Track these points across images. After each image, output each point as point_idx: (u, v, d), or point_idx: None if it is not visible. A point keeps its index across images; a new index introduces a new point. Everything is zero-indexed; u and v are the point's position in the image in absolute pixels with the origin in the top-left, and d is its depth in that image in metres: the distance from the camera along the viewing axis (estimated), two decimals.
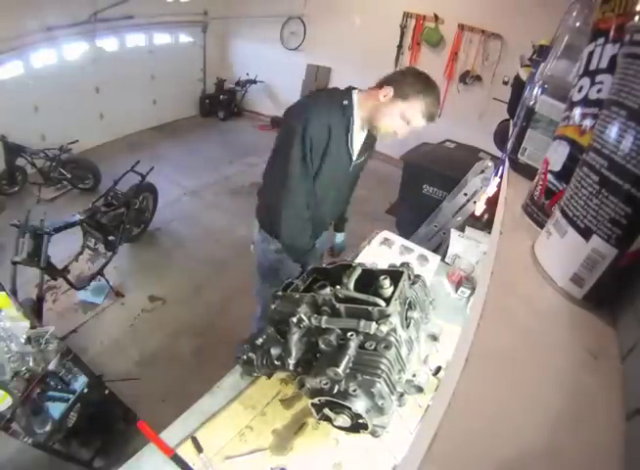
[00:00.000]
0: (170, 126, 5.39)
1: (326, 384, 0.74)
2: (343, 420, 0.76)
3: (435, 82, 1.27)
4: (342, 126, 1.29)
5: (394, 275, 0.84)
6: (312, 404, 0.79)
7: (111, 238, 2.61)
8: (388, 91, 1.23)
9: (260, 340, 0.91)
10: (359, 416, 0.74)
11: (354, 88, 1.35)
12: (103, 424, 1.68)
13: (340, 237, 1.89)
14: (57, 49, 3.80)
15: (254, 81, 5.54)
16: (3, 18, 3.23)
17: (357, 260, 1.45)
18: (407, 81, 1.22)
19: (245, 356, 0.94)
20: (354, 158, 1.41)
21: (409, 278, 0.90)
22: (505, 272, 0.53)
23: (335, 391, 0.74)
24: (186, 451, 0.88)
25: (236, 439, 0.91)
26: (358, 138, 1.37)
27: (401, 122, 1.26)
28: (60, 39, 3.72)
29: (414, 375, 0.83)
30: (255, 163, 4.53)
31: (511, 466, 0.32)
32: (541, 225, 0.61)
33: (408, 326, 0.84)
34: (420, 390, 0.83)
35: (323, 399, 0.76)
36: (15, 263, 1.97)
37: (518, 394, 0.38)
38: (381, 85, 1.27)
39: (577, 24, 0.80)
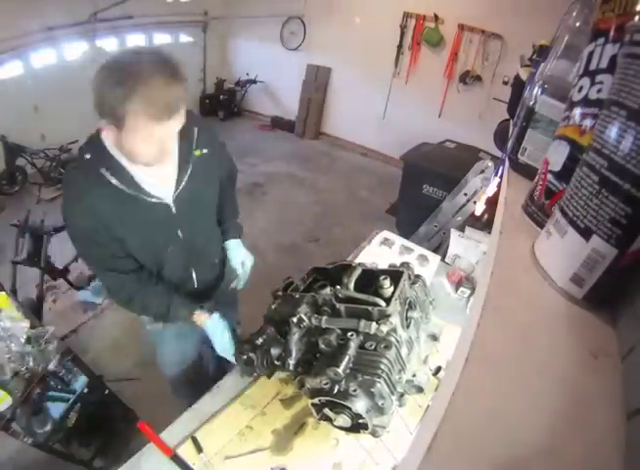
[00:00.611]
0: None
1: (326, 384, 0.74)
2: (344, 420, 0.76)
3: (139, 55, 0.82)
4: (107, 190, 0.90)
5: (395, 275, 0.84)
6: (312, 404, 0.79)
7: None
8: (110, 130, 0.86)
9: (261, 340, 0.91)
10: (359, 416, 0.74)
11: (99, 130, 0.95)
12: (103, 424, 1.68)
13: (234, 250, 1.30)
14: (57, 49, 3.80)
15: (254, 81, 5.54)
16: (3, 18, 3.23)
17: (357, 260, 1.45)
18: (105, 98, 0.81)
19: (245, 356, 0.94)
20: (168, 194, 0.99)
21: (409, 278, 0.90)
22: (505, 272, 0.53)
23: (335, 391, 0.74)
24: (186, 451, 0.88)
25: (236, 439, 0.91)
26: (156, 169, 0.94)
27: (148, 146, 0.85)
28: (60, 39, 3.72)
29: (414, 375, 0.83)
30: (255, 163, 4.53)
31: (511, 466, 0.32)
32: (541, 225, 0.61)
33: (408, 326, 0.84)
34: (420, 390, 0.83)
35: (323, 398, 0.76)
36: (15, 263, 1.97)
37: (518, 394, 0.38)
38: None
39: (577, 24, 0.80)
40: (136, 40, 4.62)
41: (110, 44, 4.34)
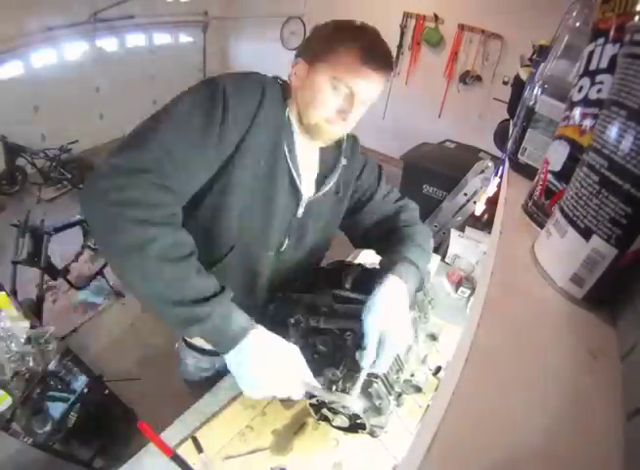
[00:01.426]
0: None
1: (323, 384, 0.75)
2: (342, 420, 0.76)
3: (364, 24, 0.83)
4: (275, 132, 0.79)
5: None
6: (311, 405, 0.79)
7: None
8: (300, 64, 0.78)
9: None
10: (357, 416, 0.74)
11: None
12: (103, 424, 1.68)
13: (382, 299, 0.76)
14: (57, 49, 3.80)
15: None
16: (3, 18, 3.23)
17: (357, 261, 1.45)
18: (320, 37, 0.80)
19: None
20: (306, 190, 0.85)
21: None
22: (505, 272, 0.53)
23: (332, 391, 0.74)
24: (186, 451, 0.88)
25: (236, 439, 0.91)
26: (308, 158, 0.86)
27: (336, 95, 0.74)
28: (60, 39, 3.72)
29: (412, 375, 0.83)
30: None
31: (511, 466, 0.32)
32: (541, 225, 0.61)
33: None
34: (418, 389, 0.83)
35: (321, 399, 0.76)
36: (15, 263, 1.97)
37: (518, 394, 0.38)
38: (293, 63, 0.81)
39: (577, 24, 0.80)
40: (136, 40, 4.62)
41: (110, 44, 4.35)
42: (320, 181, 0.87)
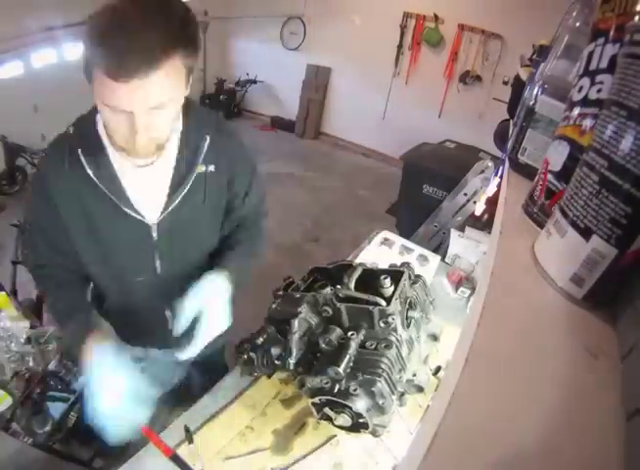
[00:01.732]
0: None
1: (327, 383, 0.75)
2: (344, 419, 0.76)
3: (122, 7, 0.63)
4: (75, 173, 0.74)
5: (395, 275, 0.84)
6: (313, 404, 0.80)
7: None
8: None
9: (261, 339, 0.91)
10: (360, 415, 0.74)
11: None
12: None
13: (198, 288, 0.81)
14: (57, 49, 3.80)
15: (254, 81, 5.54)
16: (3, 18, 3.23)
17: (357, 261, 1.45)
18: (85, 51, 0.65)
19: (245, 356, 0.94)
20: (152, 213, 0.81)
21: (410, 278, 0.90)
22: (505, 272, 0.53)
23: (335, 390, 0.74)
24: (186, 451, 0.88)
25: (236, 439, 0.91)
26: (144, 177, 0.78)
27: (110, 114, 0.68)
28: (60, 39, 3.71)
29: (414, 375, 0.83)
30: None
31: (510, 466, 0.32)
32: (541, 225, 0.61)
33: (409, 326, 0.84)
34: (420, 389, 0.83)
35: (324, 398, 0.76)
36: (15, 263, 1.97)
37: (518, 394, 0.38)
38: None
39: (577, 24, 0.80)
40: None
41: None
42: (174, 195, 0.80)
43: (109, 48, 0.59)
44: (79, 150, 0.74)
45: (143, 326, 0.95)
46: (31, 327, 1.33)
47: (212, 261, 0.93)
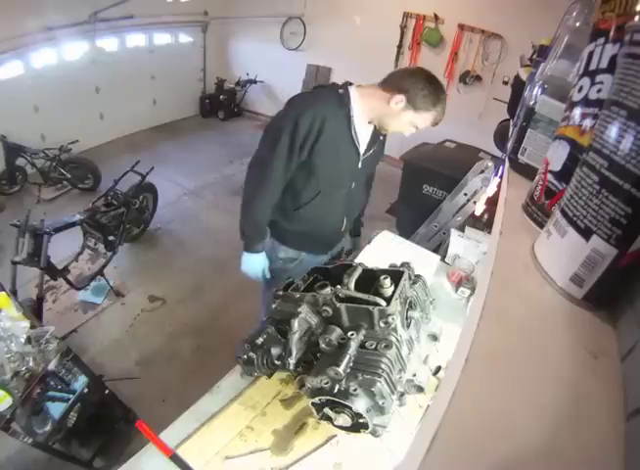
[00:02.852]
0: (170, 126, 5.39)
1: (327, 383, 0.74)
2: (344, 420, 0.76)
3: (443, 87, 1.27)
4: (340, 117, 1.25)
5: (395, 275, 0.84)
6: (313, 404, 0.79)
7: (111, 238, 2.61)
8: (400, 100, 1.20)
9: (261, 339, 0.91)
10: (360, 416, 0.74)
11: (351, 84, 1.31)
12: (103, 424, 1.68)
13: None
14: (57, 49, 3.80)
15: (254, 81, 5.54)
16: (3, 18, 3.23)
17: (357, 261, 1.45)
18: (420, 92, 1.19)
19: (245, 356, 0.94)
20: (361, 151, 1.35)
21: (409, 278, 0.90)
22: (505, 272, 0.53)
23: (335, 390, 0.74)
24: (186, 451, 0.88)
25: (236, 439, 0.91)
26: (363, 131, 1.33)
27: (408, 127, 1.28)
28: (60, 39, 3.72)
29: (414, 375, 0.83)
30: None
31: (510, 466, 0.32)
32: (541, 225, 0.61)
33: (409, 326, 0.84)
34: (420, 389, 0.83)
35: (324, 398, 0.76)
36: (15, 263, 1.97)
37: (517, 394, 0.38)
38: (390, 88, 1.22)
39: (577, 24, 0.81)
40: (136, 40, 4.63)
41: (110, 44, 4.35)
42: (370, 147, 1.39)
43: (441, 111, 1.27)
44: (349, 107, 1.25)
45: (323, 229, 1.48)
46: (31, 327, 1.33)
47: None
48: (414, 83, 1.20)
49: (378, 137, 1.41)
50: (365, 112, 1.28)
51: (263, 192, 1.31)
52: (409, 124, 1.26)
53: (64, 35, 3.72)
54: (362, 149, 1.35)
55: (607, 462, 0.32)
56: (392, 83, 1.23)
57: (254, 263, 1.46)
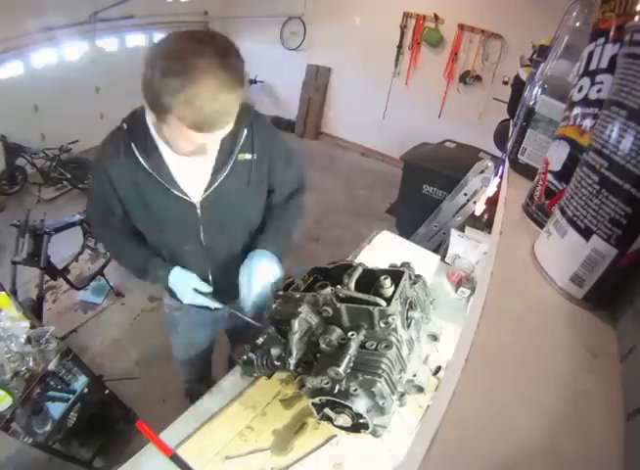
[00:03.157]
0: None
1: (327, 383, 0.74)
2: (344, 420, 0.76)
3: (201, 49, 0.70)
4: (129, 162, 0.89)
5: (395, 275, 0.84)
6: (313, 404, 0.79)
7: None
8: (149, 114, 0.82)
9: (261, 340, 0.91)
10: (360, 416, 0.74)
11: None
12: (103, 424, 1.68)
13: (251, 260, 1.02)
14: (57, 49, 3.80)
15: (254, 81, 5.54)
16: (3, 18, 3.23)
17: (357, 261, 1.45)
18: (149, 84, 0.72)
19: (245, 357, 0.94)
20: (192, 194, 0.95)
21: (410, 278, 0.90)
22: (505, 272, 0.53)
23: (336, 390, 0.74)
24: (186, 451, 0.88)
25: (236, 439, 0.91)
26: (191, 164, 0.91)
27: (186, 145, 0.82)
28: (60, 39, 3.71)
29: (415, 375, 0.83)
30: None
31: (510, 466, 0.32)
32: (541, 225, 0.61)
33: (409, 326, 0.84)
34: (420, 390, 0.83)
35: (324, 398, 0.76)
36: (15, 263, 1.97)
37: (518, 394, 0.38)
38: None
39: (577, 24, 0.81)
40: (136, 40, 4.62)
41: (110, 44, 4.34)
42: (215, 176, 0.96)
43: (197, 110, 0.71)
44: (133, 144, 0.89)
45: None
46: (31, 327, 1.33)
47: (255, 235, 1.10)
48: (146, 73, 0.72)
49: (227, 157, 0.94)
50: None
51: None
52: (183, 145, 0.82)
53: (64, 35, 3.72)
54: (199, 190, 0.95)
55: (606, 462, 0.32)
56: None
57: (176, 286, 1.08)
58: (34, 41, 3.53)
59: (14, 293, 1.86)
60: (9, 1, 3.24)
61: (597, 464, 0.33)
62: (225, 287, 1.07)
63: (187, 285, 1.06)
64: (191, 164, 0.91)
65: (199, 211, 0.98)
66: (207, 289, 1.07)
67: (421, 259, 1.60)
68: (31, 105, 3.76)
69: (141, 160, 0.89)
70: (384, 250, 1.61)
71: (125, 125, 0.91)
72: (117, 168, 0.91)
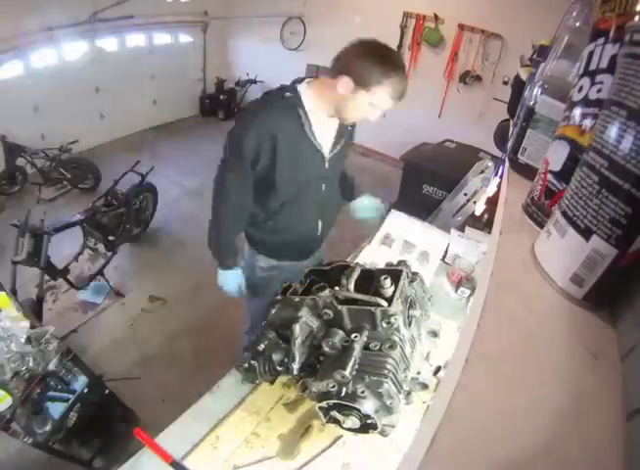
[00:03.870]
0: (170, 126, 5.39)
1: (333, 387, 0.74)
2: (353, 422, 0.75)
3: (395, 52, 1.14)
4: (293, 124, 1.14)
5: (394, 274, 0.84)
6: (320, 408, 0.79)
7: (111, 238, 2.61)
8: (346, 83, 1.06)
9: (262, 346, 0.90)
10: (368, 417, 0.74)
11: (303, 79, 1.20)
12: (103, 424, 1.68)
13: (364, 201, 1.55)
14: (57, 49, 3.80)
15: (254, 81, 5.54)
16: (3, 18, 3.23)
17: (357, 261, 1.45)
18: (364, 66, 1.04)
19: (246, 364, 0.93)
20: (327, 150, 1.24)
21: (407, 276, 0.90)
22: (505, 272, 0.53)
23: (343, 393, 0.74)
24: (192, 462, 0.86)
25: (243, 446, 0.90)
26: (326, 129, 1.22)
27: (370, 110, 1.12)
28: (60, 39, 3.71)
29: (418, 372, 0.83)
30: None
31: (511, 466, 0.32)
32: (541, 225, 0.61)
33: (410, 324, 0.84)
34: (425, 387, 0.83)
35: (331, 402, 0.75)
36: (15, 263, 1.97)
37: (518, 393, 0.38)
38: (336, 72, 1.10)
39: (577, 24, 0.81)
40: (136, 40, 4.62)
41: (110, 44, 4.34)
42: (337, 142, 1.27)
43: (399, 81, 1.09)
44: (300, 109, 1.13)
45: (298, 237, 1.39)
46: (31, 327, 1.33)
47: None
48: (356, 58, 1.06)
49: (346, 128, 1.28)
50: (322, 107, 1.16)
51: (221, 210, 1.31)
52: (368, 107, 1.11)
53: (64, 35, 3.72)
54: (327, 149, 1.24)
55: (607, 462, 0.32)
56: (337, 66, 1.10)
57: (228, 280, 1.41)
58: (34, 41, 3.53)
59: (14, 293, 1.86)
60: (9, 1, 3.24)
61: (597, 464, 0.33)
62: (322, 233, 1.44)
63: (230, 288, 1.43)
64: (328, 129, 1.22)
65: (327, 164, 1.25)
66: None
67: (432, 239, 1.66)
68: (31, 105, 3.76)
69: (304, 120, 1.13)
70: (396, 227, 1.69)
71: (289, 94, 1.13)
72: (285, 131, 1.12)
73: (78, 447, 1.59)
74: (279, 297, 0.94)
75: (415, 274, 0.95)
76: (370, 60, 1.05)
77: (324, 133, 1.21)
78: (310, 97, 1.15)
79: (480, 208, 2.01)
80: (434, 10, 4.10)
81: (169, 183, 3.89)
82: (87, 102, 4.22)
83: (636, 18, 0.44)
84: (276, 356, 0.88)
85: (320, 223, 1.41)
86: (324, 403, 0.77)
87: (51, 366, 1.33)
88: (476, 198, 2.28)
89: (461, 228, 1.89)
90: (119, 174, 2.79)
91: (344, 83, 1.07)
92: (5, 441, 1.33)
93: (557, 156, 0.62)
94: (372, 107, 1.11)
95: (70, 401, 1.44)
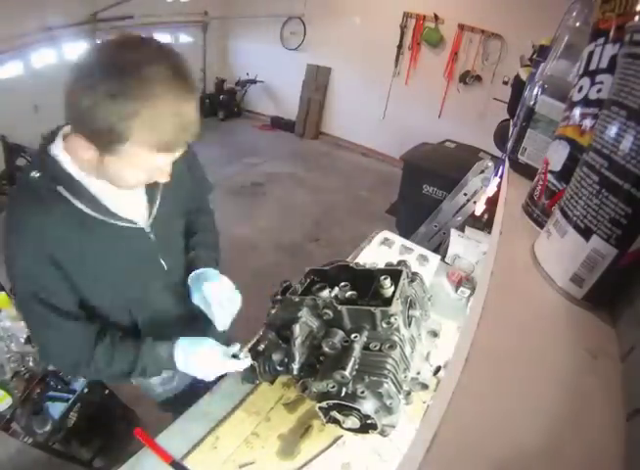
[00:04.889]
0: None
1: (333, 387, 0.74)
2: (353, 422, 0.76)
3: (152, 51, 0.61)
4: (65, 214, 0.70)
5: (394, 274, 0.84)
6: (320, 408, 0.79)
7: None
8: (82, 147, 0.65)
9: (262, 346, 0.90)
10: (368, 417, 0.74)
11: (56, 135, 0.81)
12: (103, 424, 1.68)
13: (213, 281, 0.93)
14: (57, 49, 3.80)
15: (254, 81, 5.54)
16: (3, 18, 3.23)
17: (357, 261, 1.45)
18: (89, 109, 0.58)
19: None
20: (141, 222, 0.82)
21: (407, 276, 0.90)
22: (505, 272, 0.53)
23: (342, 393, 0.74)
24: (193, 462, 0.87)
25: (243, 446, 0.91)
26: (123, 191, 0.76)
27: (141, 174, 0.70)
28: (60, 39, 3.71)
29: (418, 373, 0.83)
30: (255, 163, 4.52)
31: (511, 466, 0.32)
32: (541, 225, 0.61)
33: (410, 324, 0.84)
34: (425, 387, 0.83)
35: (331, 402, 0.76)
36: None
37: (517, 394, 0.38)
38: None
39: (577, 24, 0.81)
40: None
41: None
42: (151, 202, 0.85)
43: (161, 130, 0.61)
44: (60, 187, 0.70)
45: (173, 326, 0.97)
46: None
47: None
48: (81, 102, 0.58)
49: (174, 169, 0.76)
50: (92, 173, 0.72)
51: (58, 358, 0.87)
52: (136, 174, 0.69)
53: (64, 35, 3.72)
54: (143, 218, 0.84)
55: (607, 462, 0.32)
56: (70, 119, 0.67)
57: (200, 360, 0.85)
58: (34, 41, 3.53)
59: (14, 293, 1.86)
60: (9, 1, 3.24)
61: (597, 464, 0.33)
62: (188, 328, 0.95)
63: (212, 354, 0.85)
64: (124, 193, 0.77)
65: (152, 235, 0.85)
66: (235, 348, 0.88)
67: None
68: (31, 105, 3.76)
69: (77, 203, 0.71)
70: (380, 252, 1.61)
71: (36, 174, 0.70)
72: (53, 225, 0.70)
73: (78, 447, 1.59)
74: (279, 297, 0.94)
75: (415, 274, 0.95)
76: (98, 92, 0.56)
77: (121, 194, 0.76)
78: (77, 169, 0.72)
79: (479, 208, 2.01)
80: (434, 10, 4.10)
81: None
82: None
83: (636, 18, 0.44)
84: (276, 356, 0.88)
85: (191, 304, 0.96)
86: (324, 404, 0.77)
87: (51, 366, 1.33)
88: (476, 198, 2.28)
89: (461, 228, 1.89)
90: None
91: (84, 149, 0.65)
92: (5, 441, 1.34)
93: (557, 156, 0.62)
94: (139, 171, 0.68)
95: (70, 401, 1.44)
